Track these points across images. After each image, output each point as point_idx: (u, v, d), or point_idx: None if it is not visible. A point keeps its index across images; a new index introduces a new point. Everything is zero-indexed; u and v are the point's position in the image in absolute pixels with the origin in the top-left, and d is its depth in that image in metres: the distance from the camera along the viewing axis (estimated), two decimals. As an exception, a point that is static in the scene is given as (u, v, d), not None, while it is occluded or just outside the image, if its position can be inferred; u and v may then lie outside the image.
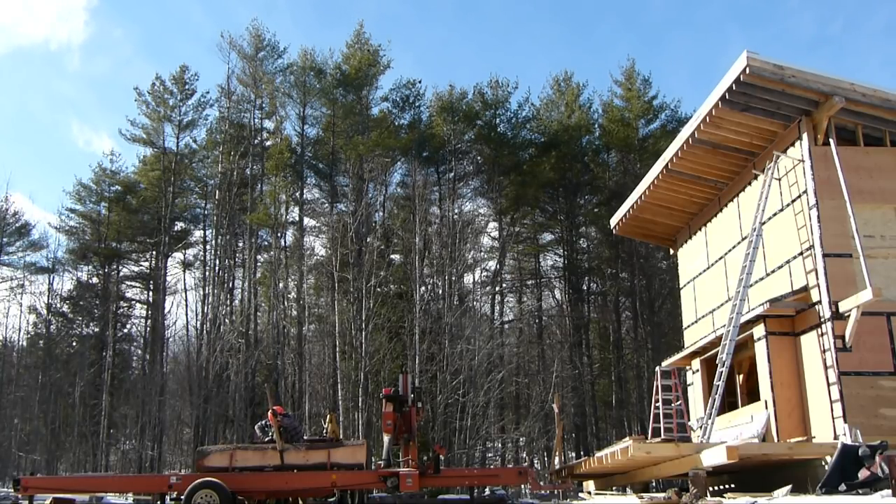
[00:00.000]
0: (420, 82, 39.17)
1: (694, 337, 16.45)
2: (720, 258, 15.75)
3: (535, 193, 36.39)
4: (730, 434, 13.10)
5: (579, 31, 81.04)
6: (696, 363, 15.82)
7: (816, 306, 11.94)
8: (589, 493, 15.68)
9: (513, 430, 30.46)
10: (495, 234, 37.22)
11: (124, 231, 39.34)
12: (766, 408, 12.33)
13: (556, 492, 15.34)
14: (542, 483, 17.61)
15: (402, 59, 70.16)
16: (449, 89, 37.44)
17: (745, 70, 12.10)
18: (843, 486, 9.38)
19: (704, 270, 16.64)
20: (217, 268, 35.05)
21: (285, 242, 34.62)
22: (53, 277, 38.09)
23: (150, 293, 39.49)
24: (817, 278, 11.95)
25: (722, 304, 15.35)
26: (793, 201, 12.83)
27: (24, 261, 38.32)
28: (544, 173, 35.80)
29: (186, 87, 37.84)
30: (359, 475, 11.86)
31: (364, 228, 31.12)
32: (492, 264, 36.64)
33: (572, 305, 35.80)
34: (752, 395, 13.68)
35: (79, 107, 79.89)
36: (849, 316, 11.29)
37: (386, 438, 11.30)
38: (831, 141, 12.34)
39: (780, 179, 13.25)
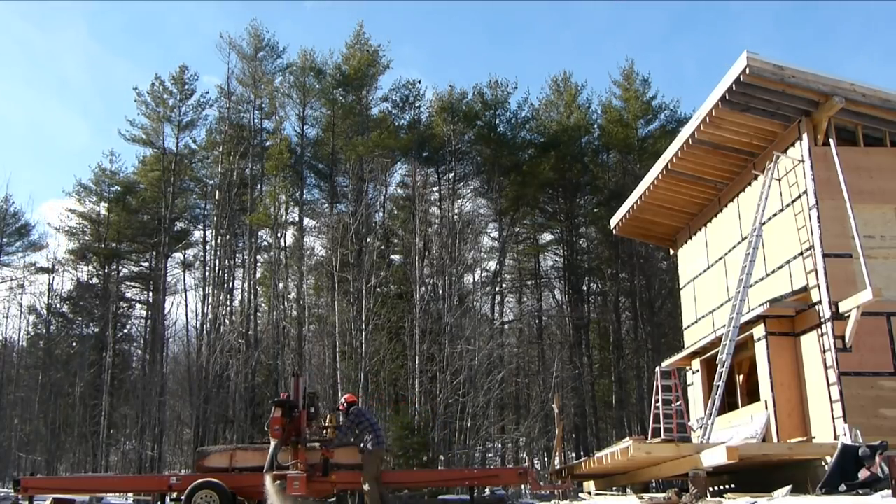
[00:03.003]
0: (420, 82, 39.35)
1: (694, 337, 16.45)
2: (720, 258, 15.76)
3: (534, 194, 36.39)
4: (730, 434, 13.10)
5: (576, 29, 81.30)
6: (696, 363, 15.83)
7: (816, 306, 11.95)
8: (589, 493, 15.68)
9: (513, 430, 30.44)
10: (495, 234, 37.26)
11: (124, 231, 39.29)
12: (766, 408, 12.33)
13: (556, 492, 15.33)
14: (542, 483, 17.59)
15: (400, 59, 70.53)
16: (449, 89, 37.49)
17: (745, 70, 12.11)
18: (843, 487, 9.39)
19: (704, 271, 16.64)
20: (217, 268, 35.03)
21: (285, 243, 34.64)
22: (53, 277, 38.14)
23: (150, 293, 39.47)
24: (817, 278, 11.95)
25: (722, 305, 15.35)
26: (793, 201, 12.83)
27: (24, 261, 38.37)
28: (544, 173, 35.79)
29: (186, 87, 37.84)
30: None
31: (364, 229, 31.10)
32: (492, 265, 36.68)
33: (572, 306, 35.80)
34: (752, 396, 13.68)
35: (73, 104, 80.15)
36: (849, 316, 11.30)
37: (273, 443, 11.35)
38: (831, 141, 12.35)
39: (780, 180, 13.26)
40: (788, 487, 9.90)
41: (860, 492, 9.13)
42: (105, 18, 77.48)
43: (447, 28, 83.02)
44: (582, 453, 31.09)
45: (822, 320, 11.74)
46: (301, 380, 12.20)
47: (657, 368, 14.90)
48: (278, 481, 10.99)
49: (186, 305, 38.30)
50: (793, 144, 13.00)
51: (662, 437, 13.41)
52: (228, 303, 34.91)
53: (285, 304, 33.51)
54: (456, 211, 35.12)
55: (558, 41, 79.77)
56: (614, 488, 15.61)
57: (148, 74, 78.35)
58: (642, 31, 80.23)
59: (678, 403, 14.00)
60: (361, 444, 11.29)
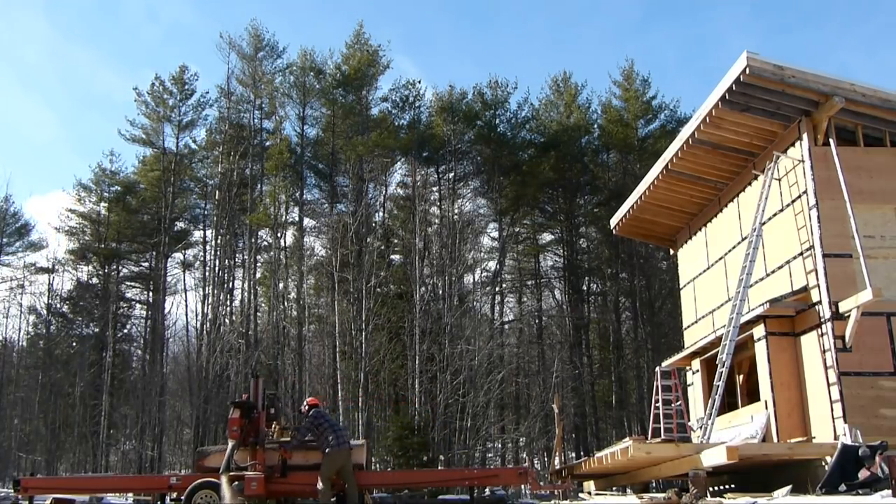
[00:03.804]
0: (420, 82, 39.30)
1: (694, 337, 16.45)
2: (720, 258, 15.76)
3: (534, 193, 36.41)
4: (730, 434, 13.10)
5: (548, 15, 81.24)
6: (696, 363, 15.83)
7: (816, 306, 11.94)
8: (589, 493, 15.69)
9: (513, 430, 30.46)
10: (495, 234, 37.28)
11: (124, 231, 39.30)
12: (766, 408, 12.33)
13: (556, 492, 15.32)
14: (542, 483, 17.59)
15: (400, 59, 70.38)
16: (449, 90, 37.54)
17: (745, 70, 12.11)
18: (843, 487, 9.39)
19: (704, 271, 16.64)
20: (217, 268, 35.05)
21: (285, 243, 34.67)
22: (53, 277, 38.17)
23: (150, 293, 39.48)
24: (817, 278, 11.95)
25: (722, 305, 15.35)
26: (793, 201, 12.83)
27: (24, 261, 38.40)
28: (544, 173, 35.82)
29: (186, 87, 37.86)
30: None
31: (364, 229, 31.12)
32: (492, 265, 36.70)
33: (572, 306, 35.80)
34: (752, 396, 13.68)
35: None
36: (849, 316, 11.29)
37: (231, 443, 11.37)
38: (831, 141, 12.35)
39: (780, 180, 13.26)
40: (788, 487, 9.90)
41: (860, 492, 9.13)
42: (63, 5, 76.84)
43: (418, 9, 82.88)
44: (582, 453, 31.09)
45: (822, 320, 11.74)
46: (261, 381, 12.21)
47: (657, 368, 14.89)
48: (235, 482, 11.02)
49: (186, 305, 38.54)
50: (793, 144, 13.00)
51: (662, 437, 13.40)
52: (228, 303, 34.96)
53: (285, 304, 33.52)
54: (456, 211, 35.13)
55: (531, 27, 79.44)
56: (614, 488, 15.61)
57: (111, 63, 77.75)
58: (617, 16, 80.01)
59: (678, 403, 13.99)
60: (324, 446, 11.33)
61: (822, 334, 11.70)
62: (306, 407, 11.83)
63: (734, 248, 15.00)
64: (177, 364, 35.37)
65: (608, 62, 74.96)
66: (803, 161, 12.55)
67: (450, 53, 79.89)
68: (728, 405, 13.98)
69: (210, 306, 33.38)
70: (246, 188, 35.43)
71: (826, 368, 11.51)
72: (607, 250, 36.61)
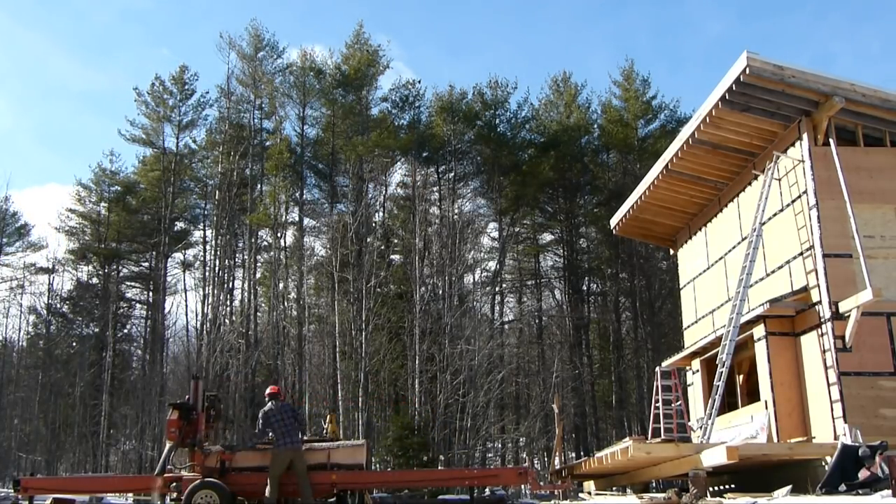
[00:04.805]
0: (420, 82, 39.29)
1: (694, 337, 16.45)
2: (720, 258, 15.76)
3: (534, 193, 36.43)
4: (730, 434, 13.10)
5: (541, 11, 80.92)
6: (696, 363, 15.83)
7: (816, 306, 11.94)
8: (589, 493, 15.69)
9: (513, 430, 30.47)
10: (495, 234, 37.30)
11: (124, 231, 39.34)
12: (766, 408, 12.33)
13: (556, 492, 15.32)
14: (542, 483, 17.59)
15: (399, 60, 70.07)
16: (449, 90, 37.54)
17: (745, 70, 12.11)
18: (843, 487, 9.38)
19: (704, 271, 16.64)
20: (217, 268, 35.06)
21: (285, 243, 34.69)
22: (53, 278, 38.19)
23: (150, 293, 39.51)
24: (817, 278, 11.95)
25: (722, 305, 15.35)
26: (793, 201, 12.83)
27: (24, 261, 38.41)
28: (544, 173, 35.84)
29: (186, 87, 37.87)
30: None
31: (364, 229, 31.12)
32: (492, 264, 36.72)
33: (572, 305, 35.81)
34: (752, 396, 13.68)
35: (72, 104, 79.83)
36: (849, 316, 11.29)
37: (168, 444, 11.38)
38: (831, 141, 12.35)
39: (780, 180, 13.25)
40: (788, 487, 9.90)
41: (860, 492, 9.13)
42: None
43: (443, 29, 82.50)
44: (582, 453, 31.09)
45: (822, 320, 11.73)
46: (200, 382, 12.16)
47: (657, 368, 14.88)
48: (172, 483, 11.04)
49: (186, 305, 38.48)
50: (793, 144, 13.00)
51: (662, 437, 13.39)
52: (228, 303, 34.98)
53: (285, 304, 33.54)
54: (456, 211, 35.13)
55: (498, 4, 78.72)
56: (614, 488, 15.60)
57: (64, 49, 76.47)
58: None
59: (678, 403, 13.98)
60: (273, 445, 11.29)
61: (822, 334, 11.70)
62: (267, 397, 11.76)
63: (734, 248, 14.99)
64: (177, 364, 35.35)
65: (581, 44, 74.31)
66: (803, 161, 12.55)
67: (415, 29, 79.18)
68: (728, 405, 13.98)
69: (210, 306, 33.40)
70: (246, 188, 35.45)
71: (826, 368, 11.51)
72: (607, 250, 36.61)
